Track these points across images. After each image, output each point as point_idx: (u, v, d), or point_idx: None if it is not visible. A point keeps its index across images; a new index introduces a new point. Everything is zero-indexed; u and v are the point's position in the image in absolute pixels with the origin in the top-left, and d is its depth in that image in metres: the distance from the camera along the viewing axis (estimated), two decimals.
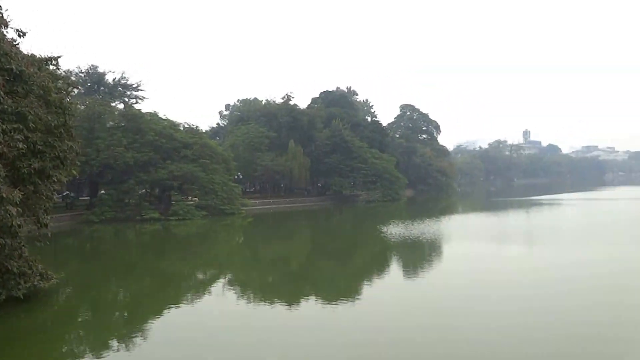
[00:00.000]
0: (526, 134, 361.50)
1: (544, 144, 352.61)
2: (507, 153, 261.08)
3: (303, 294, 27.64)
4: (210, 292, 28.71)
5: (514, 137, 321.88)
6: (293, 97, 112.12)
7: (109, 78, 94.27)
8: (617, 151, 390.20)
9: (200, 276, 35.08)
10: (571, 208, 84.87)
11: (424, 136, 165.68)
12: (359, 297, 26.91)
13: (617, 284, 26.82)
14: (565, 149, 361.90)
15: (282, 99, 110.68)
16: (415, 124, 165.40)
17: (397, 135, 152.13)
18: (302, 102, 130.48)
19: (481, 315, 21.22)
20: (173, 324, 21.57)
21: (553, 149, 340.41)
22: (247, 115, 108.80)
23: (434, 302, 24.17)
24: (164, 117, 76.85)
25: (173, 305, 25.03)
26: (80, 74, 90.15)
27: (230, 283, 31.98)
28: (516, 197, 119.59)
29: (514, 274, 30.50)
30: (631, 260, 33.78)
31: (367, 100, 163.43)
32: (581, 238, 46.41)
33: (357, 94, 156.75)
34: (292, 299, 25.77)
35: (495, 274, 30.84)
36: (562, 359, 16.36)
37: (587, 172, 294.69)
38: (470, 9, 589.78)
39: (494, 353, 16.90)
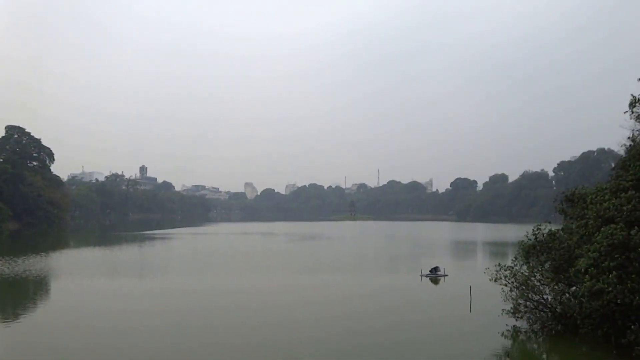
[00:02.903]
0: (143, 170, 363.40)
1: (159, 180, 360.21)
2: (123, 187, 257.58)
3: None
4: None
5: (131, 172, 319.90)
6: None
7: None
8: (221, 191, 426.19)
9: None
10: (179, 242, 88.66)
11: (35, 163, 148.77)
12: None
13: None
14: (177, 187, 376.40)
15: None
16: (25, 149, 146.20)
17: (1, 160, 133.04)
18: None
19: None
20: None
21: (167, 186, 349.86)
22: None
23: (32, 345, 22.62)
24: None
25: None
26: None
27: None
28: (131, 232, 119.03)
29: (119, 305, 31.05)
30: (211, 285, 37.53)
31: None
32: (184, 270, 48.83)
33: None
34: None
35: (102, 311, 30.13)
36: None
37: (196, 208, 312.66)
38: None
39: None
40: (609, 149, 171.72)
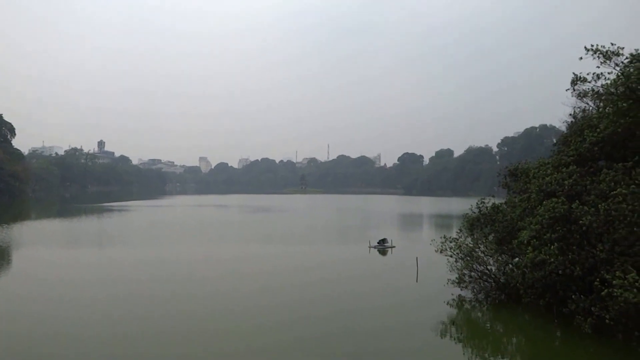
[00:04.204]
0: (101, 144, 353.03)
1: (117, 154, 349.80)
2: (82, 161, 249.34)
3: None
4: None
5: (90, 146, 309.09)
6: None
7: None
8: (176, 165, 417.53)
9: None
10: (137, 214, 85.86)
11: None
12: None
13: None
14: (134, 161, 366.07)
15: None
16: None
17: None
18: None
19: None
20: None
21: (124, 159, 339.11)
22: None
23: None
24: None
25: None
26: None
27: None
28: (90, 204, 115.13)
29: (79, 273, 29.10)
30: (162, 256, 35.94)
31: None
32: (143, 240, 47.10)
33: None
34: None
35: (63, 280, 28.71)
36: None
37: (152, 181, 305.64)
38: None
39: None
40: (550, 125, 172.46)
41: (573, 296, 18.39)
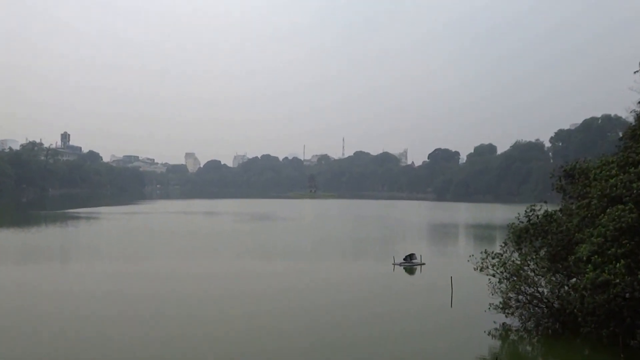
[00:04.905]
0: (65, 137, 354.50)
1: (85, 150, 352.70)
2: (42, 158, 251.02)
3: None
4: None
5: (51, 140, 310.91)
6: None
7: None
8: (157, 163, 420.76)
9: None
10: (109, 222, 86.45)
11: None
12: None
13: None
14: (106, 157, 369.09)
15: None
16: None
17: None
18: None
19: None
20: None
21: (94, 156, 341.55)
22: None
23: None
24: None
25: None
26: None
27: None
28: (52, 210, 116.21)
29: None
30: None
31: None
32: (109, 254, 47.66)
33: None
34: None
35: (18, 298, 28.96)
36: None
37: (128, 183, 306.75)
38: None
39: None
40: (615, 115, 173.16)
41: None
